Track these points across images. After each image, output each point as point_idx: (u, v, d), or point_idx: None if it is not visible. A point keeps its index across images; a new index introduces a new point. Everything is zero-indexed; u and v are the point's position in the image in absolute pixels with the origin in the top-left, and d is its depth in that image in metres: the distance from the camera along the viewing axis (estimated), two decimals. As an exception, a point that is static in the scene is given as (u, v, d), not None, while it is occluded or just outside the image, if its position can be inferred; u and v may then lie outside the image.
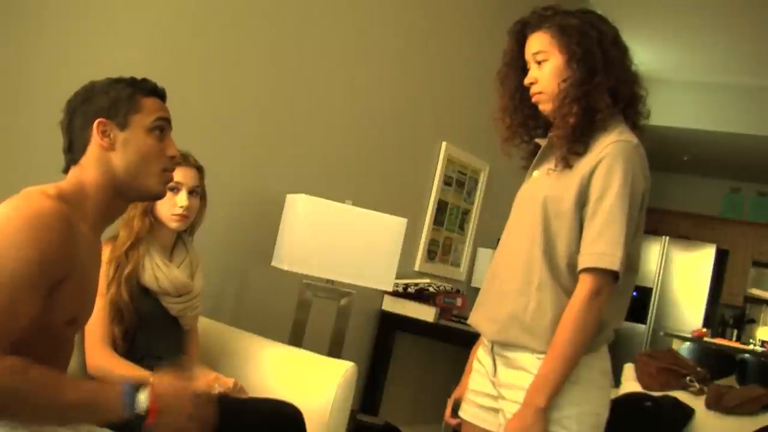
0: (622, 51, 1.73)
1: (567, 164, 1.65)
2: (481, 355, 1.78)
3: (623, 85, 1.69)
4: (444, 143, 4.12)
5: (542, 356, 1.59)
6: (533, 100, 1.73)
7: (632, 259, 1.64)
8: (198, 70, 2.70)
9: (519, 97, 1.78)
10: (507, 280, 1.69)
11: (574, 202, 1.61)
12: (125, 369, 1.96)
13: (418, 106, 3.92)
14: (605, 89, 1.65)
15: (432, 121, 4.05)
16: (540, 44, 1.71)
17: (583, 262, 1.58)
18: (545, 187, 1.68)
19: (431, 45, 3.94)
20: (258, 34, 2.91)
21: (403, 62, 3.75)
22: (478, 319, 1.76)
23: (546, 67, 1.70)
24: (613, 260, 1.55)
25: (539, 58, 1.71)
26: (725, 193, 8.17)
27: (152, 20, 2.51)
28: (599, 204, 1.58)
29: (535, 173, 1.76)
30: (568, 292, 1.60)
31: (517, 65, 1.78)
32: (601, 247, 1.56)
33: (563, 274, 1.62)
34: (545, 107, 1.71)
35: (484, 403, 1.73)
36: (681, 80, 6.61)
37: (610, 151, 1.60)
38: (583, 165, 1.63)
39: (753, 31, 5.31)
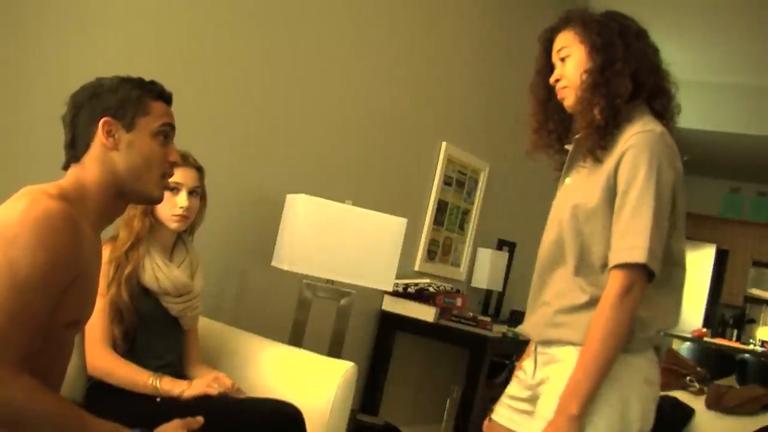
0: (648, 45, 1.72)
1: (595, 158, 1.62)
2: (526, 363, 1.77)
3: (647, 75, 1.67)
4: (444, 143, 4.12)
5: (580, 347, 1.55)
6: (559, 97, 1.72)
7: (675, 252, 1.59)
8: (197, 70, 2.70)
9: (548, 104, 1.77)
10: (547, 290, 1.69)
11: (603, 198, 1.58)
12: (125, 369, 1.96)
13: (418, 106, 3.92)
14: (626, 75, 1.63)
15: (432, 121, 4.05)
16: (563, 41, 1.72)
17: (612, 259, 1.54)
18: (575, 193, 1.65)
19: (431, 45, 3.94)
20: (258, 34, 2.91)
21: (404, 62, 3.75)
22: (525, 327, 1.75)
23: (569, 62, 1.70)
24: (641, 252, 1.49)
25: (563, 54, 1.71)
26: (725, 193, 8.18)
27: (152, 20, 2.51)
28: (625, 197, 1.54)
29: (567, 180, 1.74)
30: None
31: (546, 72, 1.77)
32: (629, 241, 1.51)
33: (602, 278, 1.57)
34: (568, 101, 1.70)
35: (520, 407, 1.72)
36: (681, 80, 6.58)
37: (635, 142, 1.56)
38: (610, 159, 1.60)
39: (753, 31, 5.31)
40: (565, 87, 1.70)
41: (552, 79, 1.73)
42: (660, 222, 1.52)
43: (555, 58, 1.74)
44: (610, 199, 1.58)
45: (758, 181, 7.93)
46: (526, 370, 1.75)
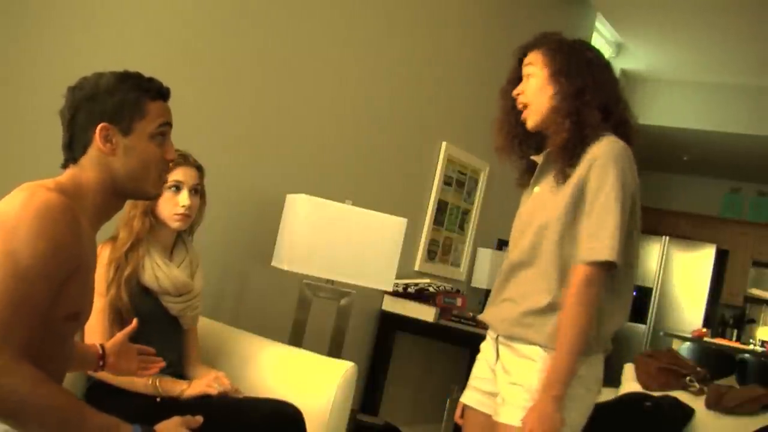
0: (613, 78, 1.83)
1: (565, 177, 1.74)
2: (485, 346, 1.91)
3: (615, 106, 1.78)
4: (444, 143, 4.12)
5: (545, 348, 1.69)
6: (522, 116, 1.84)
7: (630, 255, 1.72)
8: (198, 70, 2.70)
9: (515, 114, 1.87)
10: (511, 287, 1.81)
11: (572, 207, 1.71)
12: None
13: (418, 106, 3.92)
14: (595, 106, 1.74)
15: (432, 121, 4.05)
16: (531, 59, 1.83)
17: (583, 256, 1.66)
18: (547, 203, 1.77)
19: (432, 45, 3.94)
20: (259, 34, 2.91)
21: (404, 62, 3.75)
22: (487, 317, 1.90)
23: (531, 81, 1.81)
24: (611, 252, 1.63)
25: (527, 71, 1.82)
26: (725, 193, 8.17)
27: (153, 19, 2.51)
28: (595, 201, 1.68)
29: (536, 189, 1.85)
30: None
31: (515, 83, 1.87)
32: (599, 240, 1.64)
33: (567, 281, 1.70)
34: (531, 122, 1.82)
35: (485, 388, 1.84)
36: (681, 80, 6.62)
37: (603, 152, 1.70)
38: (578, 170, 1.72)
39: (753, 31, 5.31)
40: (524, 105, 1.82)
41: (514, 92, 1.85)
42: (623, 225, 1.66)
43: (523, 74, 1.85)
44: (577, 204, 1.71)
45: (758, 181, 7.93)
46: (484, 352, 1.90)
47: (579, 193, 1.70)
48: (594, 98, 1.74)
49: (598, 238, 1.64)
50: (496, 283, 1.89)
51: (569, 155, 1.73)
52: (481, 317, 1.95)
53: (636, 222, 1.74)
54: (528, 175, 1.91)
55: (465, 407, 1.91)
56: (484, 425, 1.81)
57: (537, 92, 1.79)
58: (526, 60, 1.83)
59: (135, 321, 1.72)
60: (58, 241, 1.27)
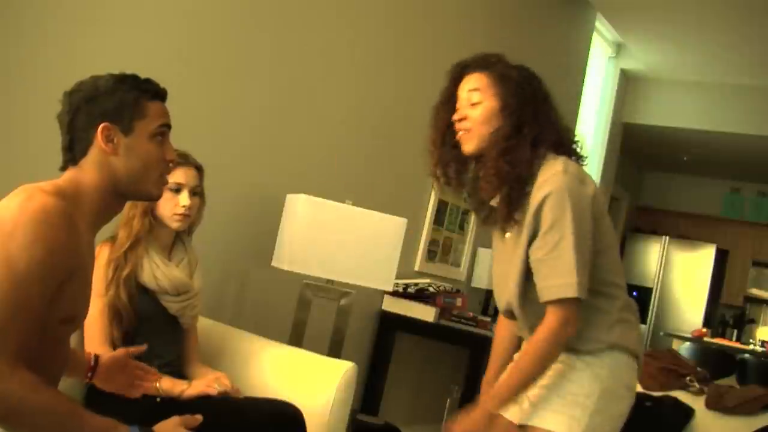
0: (552, 110, 1.80)
1: (513, 221, 1.74)
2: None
3: (548, 135, 1.75)
4: (444, 143, 4.11)
5: (571, 355, 1.73)
6: (458, 137, 1.79)
7: (606, 272, 1.73)
8: (198, 69, 2.70)
9: (448, 135, 1.83)
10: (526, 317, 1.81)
11: (529, 246, 1.71)
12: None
13: (418, 106, 3.91)
14: (528, 142, 1.72)
15: (432, 121, 4.05)
16: (477, 82, 1.77)
17: (545, 296, 1.67)
18: (517, 251, 1.74)
19: (432, 45, 3.94)
20: (259, 34, 2.91)
21: (404, 62, 3.75)
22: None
23: (479, 109, 1.76)
24: (573, 288, 1.63)
25: (474, 98, 1.76)
26: (725, 193, 8.18)
27: (152, 19, 2.51)
28: (546, 237, 1.66)
29: (508, 234, 1.82)
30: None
31: (451, 104, 1.83)
32: (559, 278, 1.64)
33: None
34: (468, 146, 1.78)
35: None
36: (681, 80, 6.62)
37: (545, 192, 1.66)
38: (529, 213, 1.70)
39: (753, 32, 5.31)
40: (468, 130, 1.77)
41: (456, 116, 1.79)
42: (583, 254, 1.65)
43: (464, 95, 1.79)
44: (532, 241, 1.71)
45: (758, 181, 7.93)
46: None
47: (532, 233, 1.70)
48: (530, 132, 1.72)
49: (559, 276, 1.64)
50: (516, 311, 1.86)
51: (511, 204, 1.72)
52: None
53: (608, 239, 1.74)
54: (483, 211, 1.88)
55: None
56: (507, 430, 1.80)
57: (482, 122, 1.75)
58: (471, 81, 1.78)
59: (145, 346, 1.70)
60: (54, 245, 1.27)
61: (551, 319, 1.65)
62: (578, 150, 1.81)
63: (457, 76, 1.82)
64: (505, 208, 1.73)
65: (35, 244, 1.24)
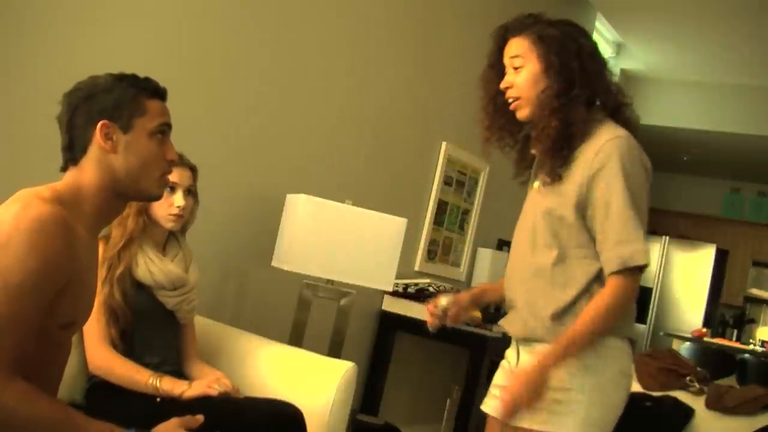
0: (601, 64, 1.76)
1: (557, 177, 1.70)
2: (509, 352, 1.87)
3: (604, 95, 1.73)
4: (444, 143, 4.12)
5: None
6: (511, 107, 1.77)
7: None
8: (197, 69, 2.70)
9: (499, 100, 1.81)
10: (524, 292, 1.77)
11: (577, 209, 1.67)
12: (125, 367, 1.96)
13: (418, 106, 3.92)
14: (582, 101, 1.69)
15: (432, 121, 4.05)
16: (518, 49, 1.75)
17: (612, 266, 1.63)
18: (546, 199, 1.72)
19: (431, 45, 3.94)
20: (258, 33, 2.91)
21: (404, 62, 3.75)
22: (506, 325, 1.85)
23: (522, 74, 1.74)
24: (643, 256, 1.61)
25: (516, 63, 1.75)
26: (725, 193, 8.18)
27: (152, 18, 2.51)
28: (609, 207, 1.63)
29: (536, 184, 1.80)
30: (586, 293, 1.67)
31: (499, 69, 1.81)
32: (629, 247, 1.61)
33: (578, 280, 1.68)
34: (522, 113, 1.76)
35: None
36: (681, 80, 6.62)
37: (606, 154, 1.64)
38: (578, 172, 1.67)
39: (753, 32, 5.31)
40: (516, 98, 1.75)
41: (503, 85, 1.78)
42: (643, 225, 1.64)
43: (507, 62, 1.78)
44: (584, 208, 1.67)
45: (758, 181, 7.93)
46: (509, 359, 1.85)
47: (583, 196, 1.66)
48: (582, 92, 1.68)
49: (629, 244, 1.61)
50: (507, 289, 1.85)
51: (556, 156, 1.69)
52: (501, 323, 1.90)
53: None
54: (522, 165, 1.87)
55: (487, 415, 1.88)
56: None
57: (529, 87, 1.72)
58: (512, 48, 1.76)
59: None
60: (49, 256, 1.26)
61: (616, 288, 1.62)
62: (634, 122, 1.75)
63: (500, 40, 1.81)
64: (552, 162, 1.70)
65: (30, 255, 1.24)
